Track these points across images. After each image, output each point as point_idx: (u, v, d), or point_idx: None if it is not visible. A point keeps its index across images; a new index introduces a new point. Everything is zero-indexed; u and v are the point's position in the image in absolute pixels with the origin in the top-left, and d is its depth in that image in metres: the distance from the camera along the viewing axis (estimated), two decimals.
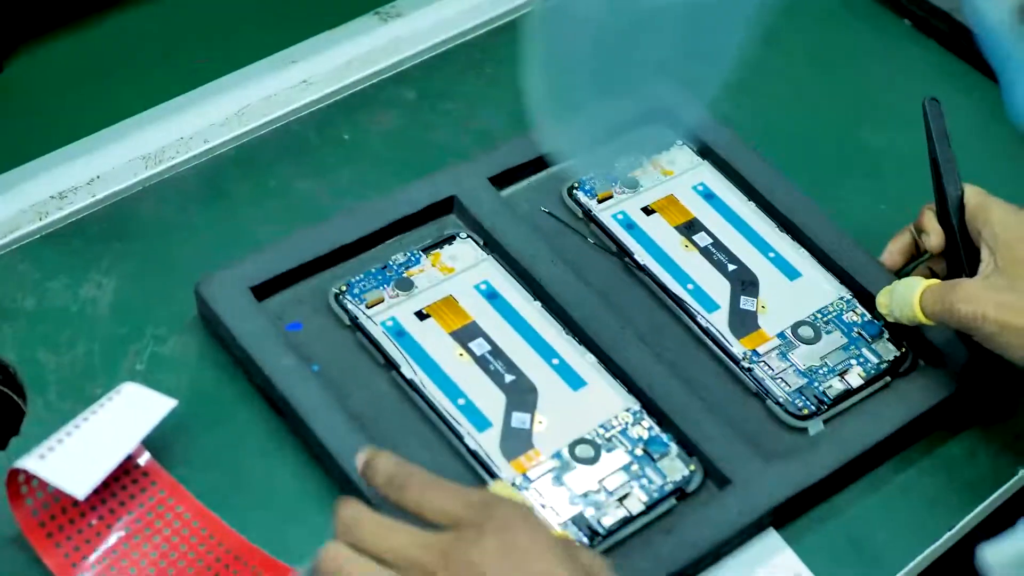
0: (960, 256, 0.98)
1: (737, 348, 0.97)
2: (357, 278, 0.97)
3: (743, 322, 0.98)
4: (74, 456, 0.84)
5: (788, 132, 1.16)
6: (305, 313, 0.96)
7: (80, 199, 1.04)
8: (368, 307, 0.96)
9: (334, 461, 0.88)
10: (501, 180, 1.05)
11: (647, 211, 1.04)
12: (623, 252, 1.01)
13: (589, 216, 1.03)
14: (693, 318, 0.98)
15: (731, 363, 0.97)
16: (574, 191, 1.05)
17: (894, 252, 1.02)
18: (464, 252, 1.00)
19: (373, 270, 0.98)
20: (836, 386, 0.96)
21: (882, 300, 0.97)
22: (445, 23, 1.19)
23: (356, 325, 0.95)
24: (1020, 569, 0.48)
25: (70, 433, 0.85)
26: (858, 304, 1.01)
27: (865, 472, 0.94)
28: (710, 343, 0.97)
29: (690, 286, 1.00)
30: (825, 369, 0.96)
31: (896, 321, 0.96)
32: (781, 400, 0.95)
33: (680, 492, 0.90)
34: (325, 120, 1.12)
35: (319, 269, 0.98)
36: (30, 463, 0.82)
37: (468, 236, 1.01)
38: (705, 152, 1.09)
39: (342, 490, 0.89)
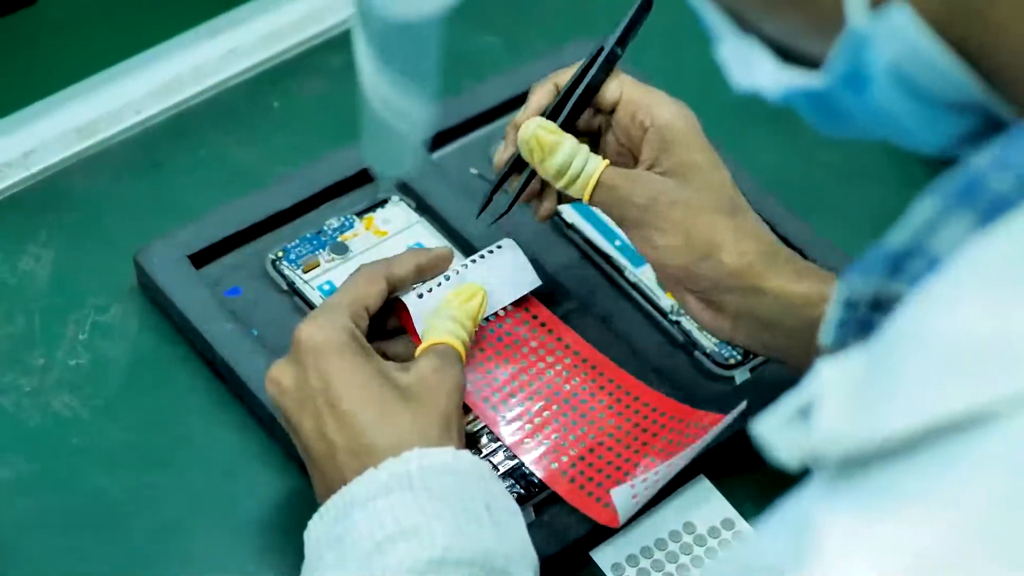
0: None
1: (664, 301, 1.00)
2: (293, 244, 0.99)
3: None
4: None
5: (695, 79, 1.16)
6: (243, 279, 0.99)
7: (14, 173, 1.05)
8: (304, 272, 0.98)
9: (274, 421, 0.90)
10: (431, 143, 1.07)
11: None
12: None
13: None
14: (621, 272, 1.01)
15: (659, 316, 0.99)
16: (492, 181, 1.07)
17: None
18: (397, 215, 1.02)
19: (308, 235, 1.00)
20: None
21: (545, 145, 0.87)
22: None
23: (293, 290, 0.98)
24: (787, 426, 0.51)
25: (448, 277, 0.90)
26: None
27: None
28: (639, 297, 1.00)
29: (618, 243, 1.02)
30: None
31: (553, 181, 0.88)
32: (708, 351, 0.97)
33: None
34: (255, 88, 1.14)
35: (255, 236, 1.00)
36: (410, 300, 0.88)
37: (400, 199, 1.03)
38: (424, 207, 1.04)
39: (282, 449, 0.91)
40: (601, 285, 1.01)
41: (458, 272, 0.89)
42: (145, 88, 1.11)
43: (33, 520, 0.89)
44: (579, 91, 0.88)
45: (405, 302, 0.88)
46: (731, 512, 0.92)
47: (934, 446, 0.47)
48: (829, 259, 1.02)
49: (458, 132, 1.09)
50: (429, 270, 0.89)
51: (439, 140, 1.08)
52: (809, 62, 0.56)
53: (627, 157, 0.90)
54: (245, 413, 0.93)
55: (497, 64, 1.14)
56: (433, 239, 1.01)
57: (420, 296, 0.88)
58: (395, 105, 0.66)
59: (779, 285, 0.86)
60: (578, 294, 0.99)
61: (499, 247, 0.91)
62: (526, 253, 0.98)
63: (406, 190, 1.03)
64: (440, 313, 0.87)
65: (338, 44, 1.17)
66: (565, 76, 0.89)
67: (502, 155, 0.91)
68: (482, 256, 0.92)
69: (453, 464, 0.78)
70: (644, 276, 1.00)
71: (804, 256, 1.01)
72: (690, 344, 0.98)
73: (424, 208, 1.02)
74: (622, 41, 0.89)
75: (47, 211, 1.04)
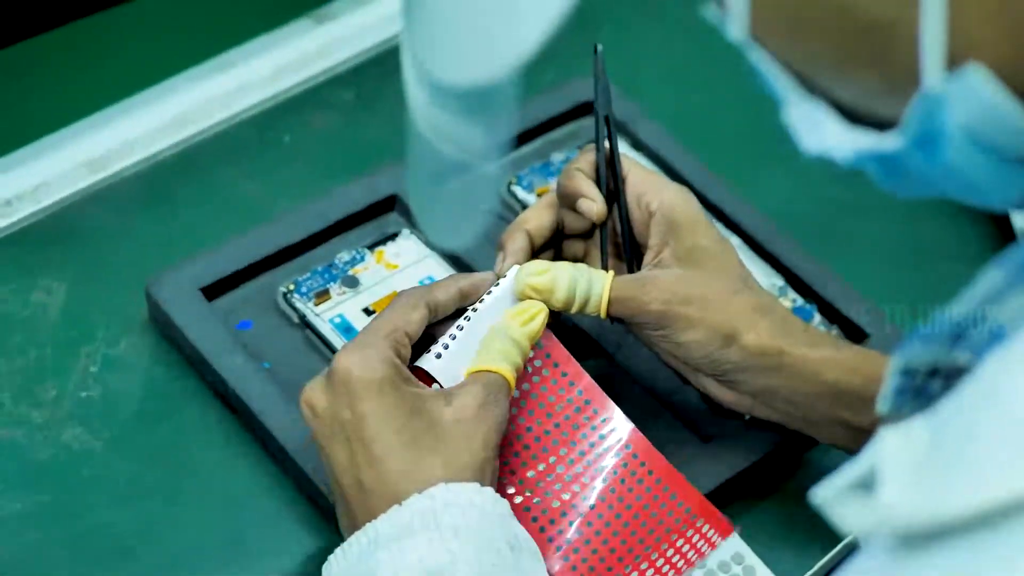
0: (624, 230, 0.92)
1: None
2: (304, 276, 1.00)
3: None
4: (464, 353, 0.85)
5: (703, 117, 1.17)
6: (254, 312, 0.99)
7: (26, 207, 1.05)
8: (316, 304, 0.98)
9: (286, 454, 0.90)
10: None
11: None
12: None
13: None
14: None
15: None
16: (511, 187, 1.07)
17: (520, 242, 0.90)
18: (407, 248, 1.02)
19: (319, 268, 1.00)
20: None
21: (548, 284, 0.86)
22: (378, 25, 1.21)
23: (305, 323, 0.98)
24: (849, 495, 0.51)
25: (461, 327, 0.85)
26: (790, 290, 1.04)
27: (802, 453, 0.97)
28: None
29: None
30: None
31: (559, 309, 0.87)
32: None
33: None
34: (265, 122, 1.14)
35: (267, 268, 1.01)
36: (429, 364, 0.84)
37: (411, 233, 1.03)
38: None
39: (294, 482, 0.91)
40: (616, 328, 1.01)
41: (469, 319, 0.85)
42: (155, 122, 1.12)
43: (43, 552, 0.89)
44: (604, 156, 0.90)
45: (426, 369, 0.84)
46: (742, 547, 0.92)
47: (1011, 523, 0.46)
48: (837, 293, 1.02)
49: None
50: (472, 294, 0.86)
51: None
52: (875, 123, 0.55)
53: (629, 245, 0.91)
54: (256, 446, 0.93)
55: None
56: (444, 273, 1.01)
57: (439, 356, 0.84)
58: (466, 165, 0.66)
59: (799, 355, 0.86)
60: (588, 328, 0.99)
61: (511, 280, 0.89)
62: None
63: (417, 224, 1.03)
64: (499, 333, 0.84)
65: (348, 79, 1.18)
66: (532, 223, 0.90)
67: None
68: (489, 292, 0.87)
69: (478, 501, 0.77)
70: None
71: (818, 295, 1.02)
72: None
73: (434, 243, 1.03)
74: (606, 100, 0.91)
75: (58, 244, 1.04)
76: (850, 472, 0.51)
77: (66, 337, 0.98)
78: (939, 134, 0.52)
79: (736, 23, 0.57)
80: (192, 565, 0.89)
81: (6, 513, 0.90)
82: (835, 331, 1.01)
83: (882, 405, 0.57)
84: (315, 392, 0.81)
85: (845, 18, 0.53)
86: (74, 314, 1.00)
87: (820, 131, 0.57)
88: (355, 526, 0.78)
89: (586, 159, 0.91)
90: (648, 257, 0.89)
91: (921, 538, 0.48)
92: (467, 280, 0.86)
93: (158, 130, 1.11)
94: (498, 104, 0.63)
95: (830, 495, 0.51)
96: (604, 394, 0.88)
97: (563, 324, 0.98)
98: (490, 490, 0.78)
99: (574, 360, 0.89)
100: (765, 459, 0.94)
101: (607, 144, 0.91)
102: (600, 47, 0.89)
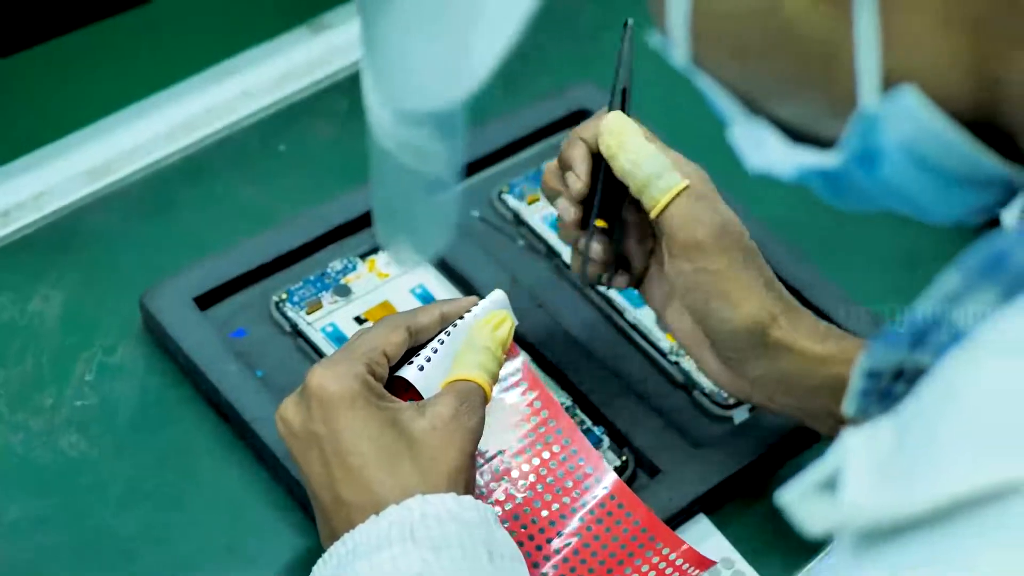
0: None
1: (664, 342, 1.01)
2: (296, 286, 1.01)
3: None
4: (444, 366, 0.85)
5: (697, 123, 1.17)
6: (248, 321, 1.00)
7: (26, 215, 1.07)
8: (308, 313, 0.99)
9: (277, 461, 0.91)
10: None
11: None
12: (552, 253, 1.05)
13: (519, 219, 1.07)
14: (622, 314, 1.02)
15: (659, 356, 1.00)
16: (503, 195, 1.08)
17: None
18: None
19: (312, 277, 1.01)
20: None
21: (641, 148, 0.86)
22: None
23: (297, 331, 0.99)
24: (814, 496, 0.52)
25: (443, 341, 0.86)
26: None
27: (790, 458, 0.98)
28: (638, 338, 1.01)
29: None
30: None
31: (623, 175, 0.86)
32: (707, 391, 0.98)
33: None
34: (266, 130, 1.15)
35: (260, 277, 1.02)
36: (410, 374, 0.84)
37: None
38: None
39: (286, 488, 0.92)
40: (601, 325, 1.02)
41: (449, 333, 0.86)
42: (155, 130, 1.13)
43: (42, 559, 0.90)
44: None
45: (407, 378, 0.84)
46: (731, 551, 0.93)
47: (973, 516, 0.47)
48: (834, 302, 1.03)
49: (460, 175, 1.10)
50: (454, 318, 0.87)
51: None
52: (819, 142, 0.57)
53: (647, 222, 0.90)
54: (250, 453, 0.95)
55: (497, 108, 1.15)
56: (436, 282, 1.02)
57: (421, 368, 0.85)
58: (422, 185, 0.67)
59: (805, 346, 0.86)
60: (578, 335, 1.00)
61: (491, 300, 0.88)
62: (527, 295, 0.99)
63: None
64: (472, 343, 0.85)
65: (346, 87, 1.18)
66: (588, 131, 0.89)
67: (579, 179, 0.88)
68: (470, 312, 0.88)
69: (455, 510, 0.78)
70: (643, 317, 1.01)
71: (810, 302, 1.03)
72: (689, 384, 0.99)
73: None
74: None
75: (58, 252, 1.05)
76: (815, 473, 0.52)
77: (63, 345, 0.99)
78: (878, 152, 0.54)
79: (679, 49, 0.58)
80: (189, 569, 0.90)
81: (5, 520, 0.91)
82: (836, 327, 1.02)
83: (848, 407, 0.58)
84: (289, 408, 0.82)
85: (785, 44, 0.54)
86: (71, 322, 1.01)
87: (764, 149, 0.58)
88: (335, 537, 0.79)
89: (593, 127, 0.89)
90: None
91: (885, 534, 0.49)
92: (449, 305, 0.87)
93: (157, 139, 1.12)
94: (451, 126, 0.64)
95: (796, 496, 0.52)
96: (587, 441, 0.90)
97: (555, 334, 0.99)
98: (468, 498, 0.79)
99: (556, 401, 0.91)
100: (754, 464, 0.95)
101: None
102: (631, 22, 0.88)
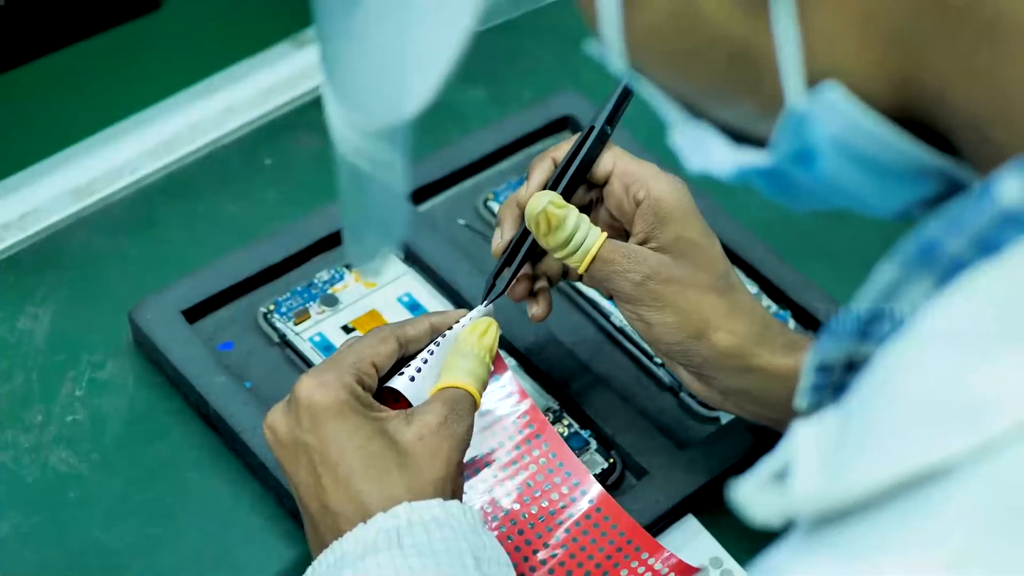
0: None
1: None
2: (284, 297, 1.01)
3: None
4: (434, 376, 0.85)
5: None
6: (236, 333, 1.00)
7: (12, 235, 1.07)
8: (296, 324, 1.00)
9: (267, 471, 0.92)
10: (418, 195, 1.09)
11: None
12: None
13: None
14: (607, 318, 1.03)
15: (645, 359, 1.01)
16: (488, 202, 1.09)
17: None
18: (386, 267, 1.04)
19: (299, 288, 1.02)
20: None
21: (561, 216, 0.86)
22: None
23: (285, 342, 0.99)
24: (763, 489, 0.53)
25: (432, 352, 0.86)
26: (764, 296, 1.05)
27: None
28: (625, 341, 1.02)
29: None
30: None
31: (550, 248, 0.87)
32: (694, 392, 0.99)
33: (601, 484, 0.94)
34: (247, 146, 1.15)
35: (247, 290, 1.02)
36: (400, 384, 0.85)
37: (389, 251, 1.05)
38: (413, 259, 1.06)
39: (276, 498, 0.93)
40: (587, 329, 1.02)
41: (439, 344, 0.86)
42: (139, 148, 1.13)
43: (33, 574, 0.90)
44: (576, 164, 0.88)
45: (398, 388, 0.85)
46: (719, 551, 0.93)
47: (906, 498, 0.48)
48: (818, 303, 1.03)
49: (445, 184, 1.11)
50: (443, 329, 0.87)
51: (427, 192, 1.10)
52: (760, 142, 0.57)
53: (619, 232, 0.90)
54: (239, 464, 0.95)
55: (483, 116, 1.16)
56: (423, 290, 1.03)
57: (412, 379, 0.85)
58: (374, 192, 0.68)
59: (769, 362, 0.87)
60: (565, 339, 1.00)
61: (479, 311, 0.89)
62: (512, 302, 1.00)
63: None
64: (459, 350, 0.86)
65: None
66: (561, 152, 0.90)
67: (501, 238, 0.90)
68: (458, 323, 0.88)
69: (442, 517, 0.78)
70: None
71: (793, 301, 1.03)
72: (676, 386, 0.99)
73: (413, 259, 1.04)
74: (611, 120, 0.90)
75: (44, 271, 1.06)
76: (766, 467, 0.53)
77: (52, 362, 1.00)
78: (811, 149, 0.55)
79: (615, 56, 0.59)
80: None
81: None
82: (811, 337, 1.03)
83: (800, 401, 0.59)
84: (277, 417, 0.82)
85: (715, 48, 0.56)
86: (60, 339, 1.01)
87: (704, 150, 0.59)
88: (323, 545, 0.79)
89: (559, 151, 0.90)
90: (632, 243, 0.89)
91: (833, 520, 0.50)
92: (439, 316, 0.88)
93: (142, 156, 1.13)
94: (398, 137, 0.65)
95: (747, 491, 0.53)
96: (572, 453, 0.91)
97: (542, 339, 1.00)
98: (454, 503, 0.79)
99: (541, 413, 0.91)
100: (741, 463, 0.95)
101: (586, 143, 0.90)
102: (604, 129, 0.90)
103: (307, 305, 1.01)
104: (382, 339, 0.85)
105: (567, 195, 0.88)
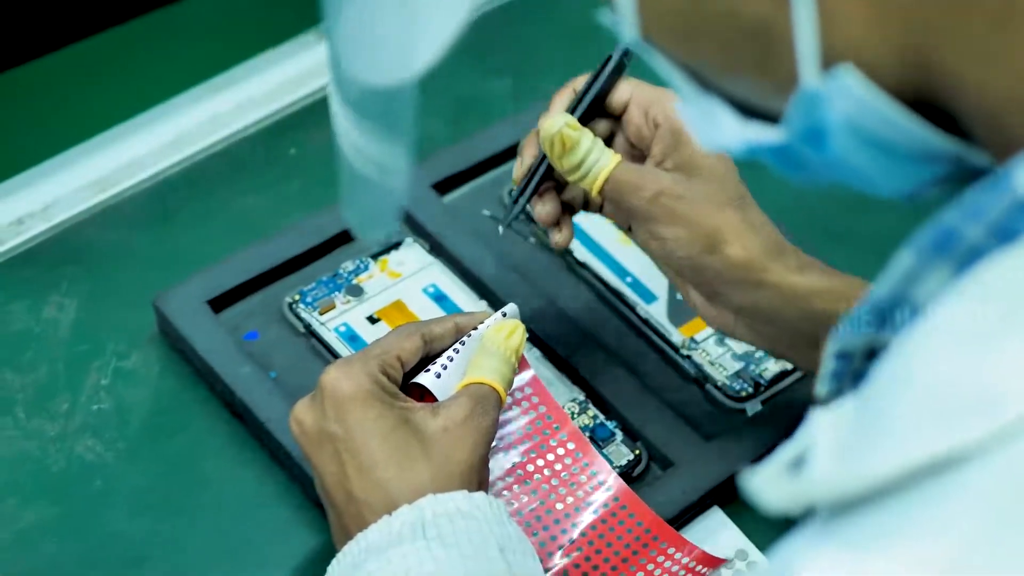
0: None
1: (676, 336, 1.01)
2: (309, 287, 1.01)
3: (681, 311, 1.02)
4: (460, 373, 0.86)
5: None
6: (261, 323, 1.00)
7: (36, 226, 1.07)
8: (321, 314, 1.00)
9: (293, 461, 0.92)
10: (443, 186, 1.09)
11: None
12: (565, 250, 1.06)
13: (530, 216, 1.07)
14: (633, 309, 1.03)
15: (671, 351, 1.01)
16: (512, 192, 1.09)
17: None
18: (411, 257, 1.04)
19: (324, 278, 1.02)
20: (772, 368, 1.00)
21: (575, 139, 0.88)
22: None
23: (310, 332, 0.99)
24: (779, 482, 0.53)
25: (457, 351, 0.87)
26: None
27: None
28: (650, 332, 1.02)
29: (629, 279, 1.04)
30: (760, 353, 1.00)
31: (567, 175, 0.89)
32: (720, 384, 0.99)
33: (626, 476, 0.94)
34: (270, 137, 1.15)
35: (272, 280, 1.02)
36: (426, 380, 0.85)
37: (414, 241, 1.05)
38: (438, 249, 1.06)
39: (301, 488, 0.93)
40: (612, 321, 1.02)
41: (464, 343, 0.87)
42: (161, 141, 1.13)
43: (57, 564, 0.90)
44: (594, 91, 0.90)
45: (425, 384, 0.85)
46: (745, 543, 0.93)
47: (918, 487, 0.48)
48: None
49: (468, 176, 1.11)
50: (468, 329, 0.88)
51: (451, 183, 1.10)
52: (771, 118, 0.57)
53: (639, 160, 0.91)
54: (264, 455, 0.95)
55: (505, 108, 1.16)
56: (448, 280, 1.03)
57: (438, 376, 0.86)
58: (374, 163, 0.68)
59: (782, 278, 0.87)
60: (590, 331, 1.00)
61: (503, 314, 0.89)
62: (539, 292, 1.00)
63: (420, 232, 1.05)
64: (486, 349, 0.86)
65: None
66: (580, 82, 0.92)
67: (522, 165, 0.92)
68: (483, 323, 0.89)
69: (467, 508, 0.78)
70: (655, 312, 1.02)
71: None
72: (701, 378, 0.99)
73: (438, 250, 1.04)
74: (628, 52, 0.90)
75: (67, 262, 1.06)
76: (783, 455, 0.53)
77: (77, 352, 1.00)
78: (823, 129, 0.55)
79: (628, 27, 0.59)
80: (205, 572, 0.91)
81: (22, 525, 0.92)
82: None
83: (820, 388, 0.59)
84: (303, 409, 0.82)
85: (729, 23, 0.55)
86: (85, 329, 1.01)
87: (715, 126, 0.59)
88: (348, 536, 0.79)
89: (580, 81, 0.92)
90: (649, 165, 0.90)
91: (845, 509, 0.50)
92: (464, 317, 0.88)
93: (164, 148, 1.13)
94: (400, 118, 0.65)
95: (763, 480, 0.53)
96: (589, 443, 0.91)
97: (567, 330, 1.00)
98: (479, 494, 0.80)
99: (562, 409, 0.91)
100: (766, 455, 0.94)
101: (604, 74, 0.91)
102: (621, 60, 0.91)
103: (332, 295, 1.01)
104: (407, 334, 0.85)
105: (584, 121, 0.90)
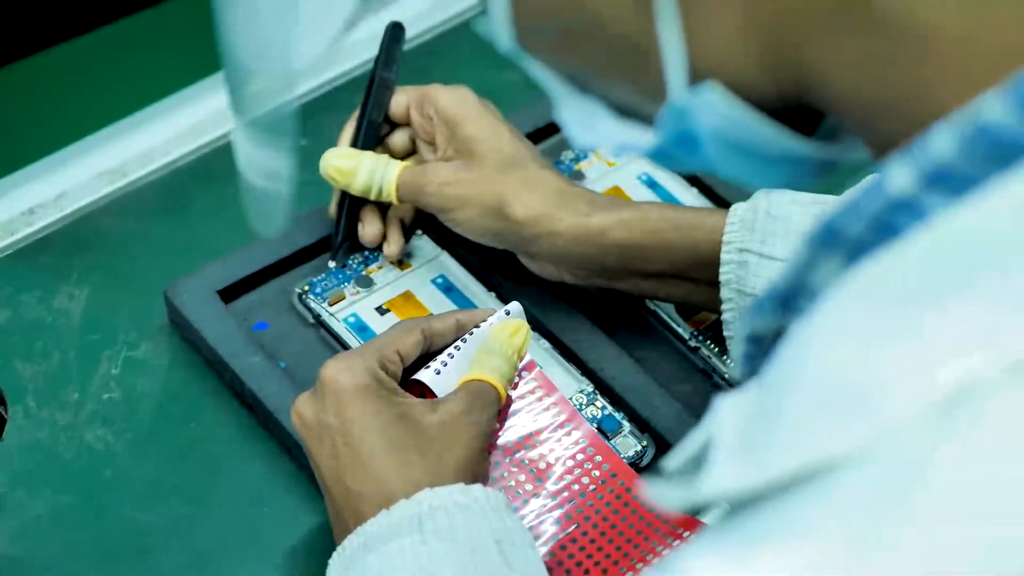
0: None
1: (683, 329, 1.01)
2: (319, 278, 1.02)
3: (688, 304, 1.03)
4: (460, 370, 0.88)
5: None
6: (270, 313, 1.01)
7: (48, 215, 1.08)
8: (330, 305, 1.00)
9: (301, 451, 0.92)
10: None
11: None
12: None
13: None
14: (641, 302, 1.03)
15: (679, 343, 1.01)
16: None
17: None
18: (420, 248, 1.04)
19: (334, 269, 1.02)
20: None
21: (345, 170, 0.97)
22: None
23: (319, 322, 1.00)
24: (676, 485, 0.53)
25: (459, 348, 0.88)
26: None
27: None
28: (658, 325, 1.02)
29: None
30: None
31: (360, 194, 0.98)
32: (727, 376, 0.99)
33: (634, 467, 0.94)
34: None
35: (282, 271, 1.03)
36: (426, 377, 0.87)
37: (423, 233, 1.05)
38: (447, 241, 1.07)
39: (309, 478, 0.93)
40: (620, 314, 1.03)
41: (466, 340, 0.88)
42: (173, 131, 1.14)
43: (68, 552, 0.91)
44: (367, 115, 0.99)
45: (424, 381, 0.86)
46: None
47: (799, 489, 0.49)
48: None
49: None
50: (470, 326, 0.89)
51: None
52: (649, 120, 0.59)
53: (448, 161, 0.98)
54: (273, 444, 0.95)
55: (516, 100, 1.16)
56: (458, 271, 1.03)
57: (438, 372, 0.87)
58: (263, 171, 0.70)
59: (573, 223, 0.93)
60: (598, 324, 1.01)
61: (507, 312, 0.91)
62: (547, 283, 1.00)
63: (430, 223, 1.05)
64: (488, 347, 0.87)
65: (361, 84, 1.19)
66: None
67: (333, 200, 1.01)
68: (486, 321, 0.90)
69: (463, 502, 0.79)
70: (663, 305, 1.02)
71: None
72: (709, 370, 1.00)
73: (446, 242, 1.05)
74: (387, 64, 1.00)
75: (79, 251, 1.06)
76: (685, 450, 0.54)
77: (88, 341, 1.00)
78: (693, 138, 0.57)
79: (503, 36, 0.60)
80: (214, 561, 0.91)
81: (33, 514, 0.92)
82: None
83: (734, 371, 0.60)
84: (304, 402, 0.84)
85: (602, 35, 0.57)
86: (96, 319, 1.02)
87: (590, 127, 0.61)
88: (346, 529, 0.80)
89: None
90: (436, 156, 0.98)
91: (745, 504, 0.51)
92: (466, 314, 0.90)
93: (176, 138, 1.13)
94: (285, 127, 0.69)
95: (659, 486, 0.54)
96: (600, 438, 0.91)
97: (574, 321, 1.00)
98: (476, 487, 0.80)
99: (570, 404, 0.92)
100: None
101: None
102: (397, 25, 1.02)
103: (342, 286, 1.01)
104: (407, 329, 0.87)
105: (368, 144, 0.99)
